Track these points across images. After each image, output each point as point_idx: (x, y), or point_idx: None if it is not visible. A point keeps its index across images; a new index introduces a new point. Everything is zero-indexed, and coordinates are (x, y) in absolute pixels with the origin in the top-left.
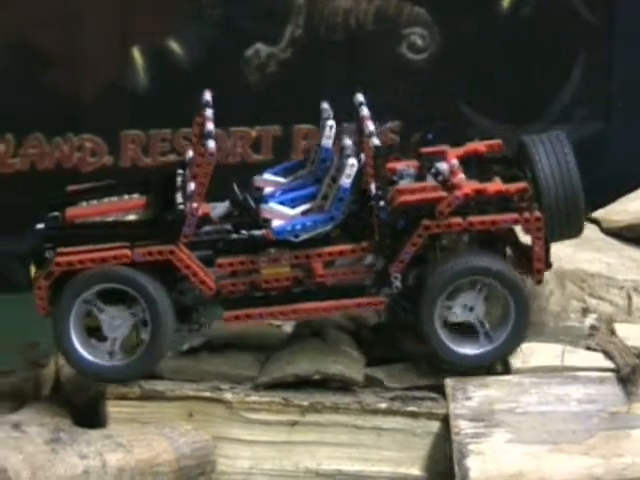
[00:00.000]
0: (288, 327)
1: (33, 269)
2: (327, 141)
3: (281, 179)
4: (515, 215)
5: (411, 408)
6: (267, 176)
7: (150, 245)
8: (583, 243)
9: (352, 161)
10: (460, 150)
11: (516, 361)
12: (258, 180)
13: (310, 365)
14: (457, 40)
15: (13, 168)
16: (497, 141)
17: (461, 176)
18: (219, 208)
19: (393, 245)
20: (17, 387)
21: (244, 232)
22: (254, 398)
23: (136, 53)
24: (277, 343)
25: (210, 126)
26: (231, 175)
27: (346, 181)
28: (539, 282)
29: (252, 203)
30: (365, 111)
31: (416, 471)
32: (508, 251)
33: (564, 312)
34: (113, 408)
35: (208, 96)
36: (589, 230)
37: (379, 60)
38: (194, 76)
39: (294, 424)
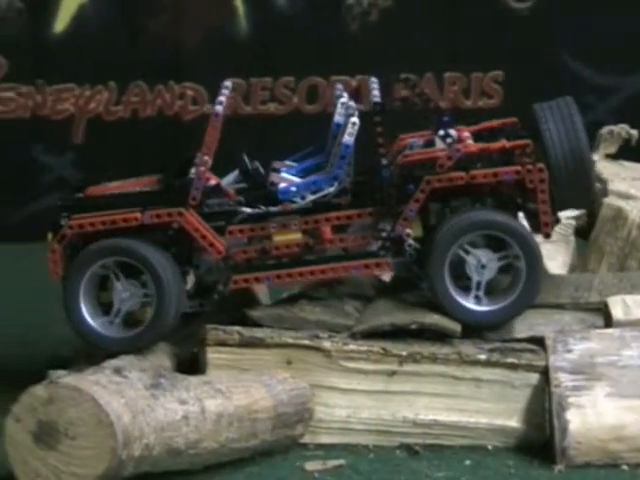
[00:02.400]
0: (387, 277)
1: (50, 237)
2: (349, 138)
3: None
4: (517, 167)
5: (510, 360)
6: (287, 162)
7: (159, 209)
8: None
9: (354, 119)
10: (474, 128)
11: (618, 313)
12: (277, 163)
13: (407, 315)
14: None
15: (115, 116)
16: (512, 119)
17: (468, 138)
18: (228, 177)
19: (400, 207)
20: None
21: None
22: (353, 347)
23: (238, 1)
24: (375, 293)
25: (222, 97)
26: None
27: (348, 139)
28: (547, 236)
29: (262, 170)
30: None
31: (514, 423)
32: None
33: None
34: (212, 354)
35: (228, 83)
36: None
37: (481, 8)
38: (295, 24)
39: (392, 374)
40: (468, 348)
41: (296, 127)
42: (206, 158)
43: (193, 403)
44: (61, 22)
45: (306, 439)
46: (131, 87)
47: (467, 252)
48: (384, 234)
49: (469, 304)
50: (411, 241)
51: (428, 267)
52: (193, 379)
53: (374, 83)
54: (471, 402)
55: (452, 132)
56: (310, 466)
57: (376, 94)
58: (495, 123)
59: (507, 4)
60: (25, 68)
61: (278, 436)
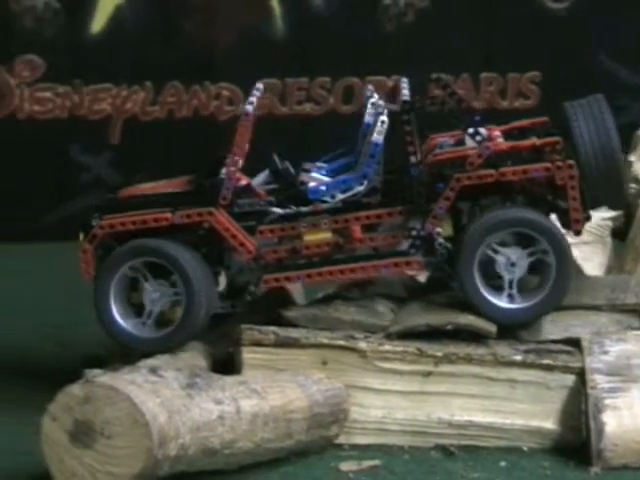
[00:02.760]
0: (422, 277)
1: (81, 237)
2: (378, 136)
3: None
4: (547, 164)
5: (546, 361)
6: (318, 163)
7: (190, 209)
8: None
9: (383, 118)
10: (505, 127)
11: None
12: (307, 164)
13: (442, 315)
14: None
15: (152, 116)
16: (543, 118)
17: (498, 136)
18: (259, 177)
19: (429, 205)
20: None
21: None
22: (388, 347)
23: (274, 2)
24: (408, 293)
25: (252, 98)
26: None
27: (377, 137)
28: (578, 233)
29: (292, 170)
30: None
31: (549, 424)
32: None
33: None
34: (248, 354)
35: (260, 85)
36: None
37: (518, 8)
38: (331, 24)
39: (428, 374)
40: (504, 349)
41: (332, 127)
42: (237, 158)
43: (229, 403)
44: (98, 23)
45: (341, 439)
46: (167, 87)
47: (496, 251)
48: (414, 233)
49: (500, 302)
50: (441, 240)
51: (458, 266)
52: (228, 379)
53: (404, 83)
54: (506, 403)
55: (482, 130)
56: (345, 466)
57: (405, 93)
58: (526, 122)
59: (544, 4)
60: (62, 68)
61: (313, 436)
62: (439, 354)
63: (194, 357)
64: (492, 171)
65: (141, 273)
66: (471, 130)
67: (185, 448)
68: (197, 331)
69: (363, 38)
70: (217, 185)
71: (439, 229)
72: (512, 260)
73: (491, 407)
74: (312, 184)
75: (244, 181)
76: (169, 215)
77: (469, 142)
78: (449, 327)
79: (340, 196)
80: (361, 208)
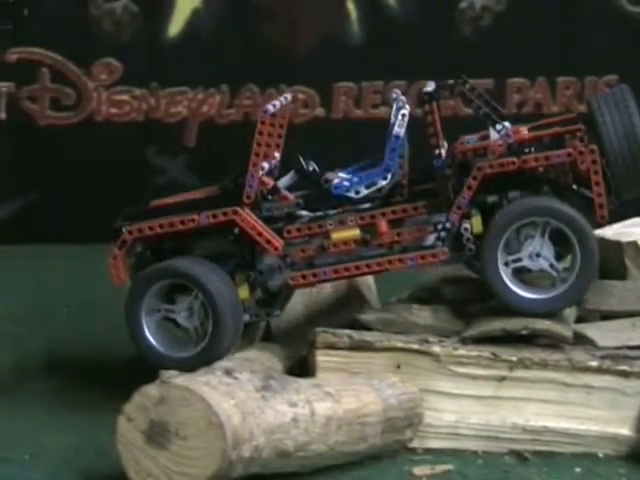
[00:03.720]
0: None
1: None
2: (398, 129)
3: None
4: (569, 150)
5: (622, 367)
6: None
7: (215, 209)
8: None
9: (404, 111)
10: (533, 124)
11: None
12: (336, 169)
13: (517, 320)
14: None
15: (228, 119)
16: (572, 114)
17: (523, 129)
18: (285, 178)
19: (454, 197)
20: None
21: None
22: (462, 352)
23: (350, 5)
24: (485, 297)
25: (277, 101)
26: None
27: (397, 130)
28: (602, 218)
29: (317, 170)
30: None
31: (625, 431)
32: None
33: None
34: (322, 357)
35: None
36: None
37: (596, 12)
38: (407, 28)
39: (502, 379)
40: (579, 354)
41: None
42: (258, 157)
43: (303, 406)
44: (175, 26)
45: (414, 444)
46: (243, 90)
47: (526, 238)
48: (439, 226)
49: (521, 291)
50: (469, 235)
51: (482, 253)
52: (303, 382)
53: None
54: (582, 409)
55: (506, 124)
56: (418, 470)
57: (430, 83)
58: (554, 119)
59: (622, 7)
60: (139, 71)
61: (387, 440)
62: (514, 359)
63: (269, 359)
64: (514, 158)
65: (167, 296)
66: (493, 122)
67: (259, 450)
68: (226, 350)
69: (439, 41)
70: (241, 184)
71: (467, 225)
72: (537, 251)
73: (566, 413)
74: (336, 180)
75: (270, 183)
76: (195, 217)
77: (494, 135)
78: (525, 332)
79: (365, 191)
80: (387, 203)
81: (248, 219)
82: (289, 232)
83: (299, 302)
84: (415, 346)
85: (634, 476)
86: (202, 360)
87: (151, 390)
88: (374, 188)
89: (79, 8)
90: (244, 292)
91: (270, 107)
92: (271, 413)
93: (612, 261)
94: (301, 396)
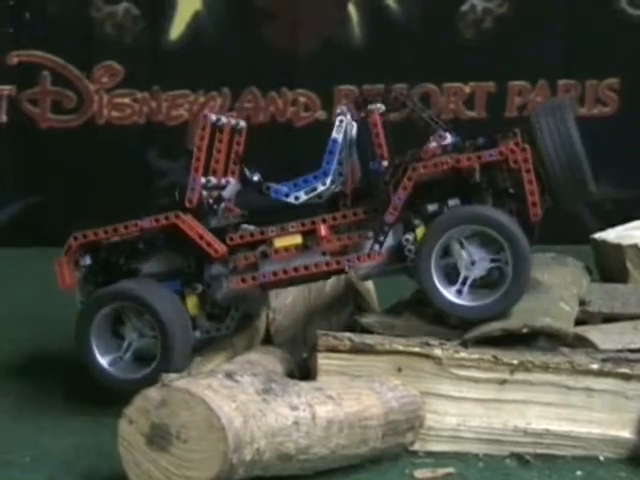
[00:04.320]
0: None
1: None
2: (336, 135)
3: None
4: (501, 149)
5: (623, 370)
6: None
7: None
8: None
9: (341, 117)
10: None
11: None
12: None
13: (517, 319)
14: None
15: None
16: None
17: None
18: (229, 187)
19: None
20: (229, 339)
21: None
22: (463, 354)
23: (352, 8)
24: None
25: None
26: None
27: (335, 135)
28: (536, 216)
29: (260, 179)
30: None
31: (626, 434)
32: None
33: None
34: (323, 360)
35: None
36: None
37: (597, 15)
38: (408, 31)
39: (503, 382)
40: (580, 357)
41: (409, 133)
42: (198, 162)
43: (304, 409)
44: (177, 29)
45: (416, 447)
46: (244, 93)
47: (462, 246)
48: (377, 228)
49: (448, 294)
50: (411, 246)
51: (417, 259)
52: (304, 385)
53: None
54: (583, 412)
55: (446, 133)
56: (419, 474)
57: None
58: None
59: (623, 10)
60: (141, 75)
61: (388, 443)
62: (515, 362)
63: (271, 362)
64: (447, 158)
65: (118, 316)
66: (436, 131)
67: (260, 453)
68: (177, 370)
69: (440, 44)
70: (183, 189)
71: (409, 236)
72: (473, 258)
73: (567, 416)
74: (275, 186)
75: (214, 196)
76: (138, 221)
77: (432, 143)
78: (525, 330)
79: (304, 197)
80: (327, 209)
81: (189, 222)
82: (232, 239)
83: (299, 305)
84: (416, 349)
85: (635, 479)
86: (153, 382)
87: (152, 393)
88: (314, 194)
89: (80, 11)
90: (194, 308)
91: (212, 116)
92: (272, 416)
93: (614, 264)
94: (302, 399)
